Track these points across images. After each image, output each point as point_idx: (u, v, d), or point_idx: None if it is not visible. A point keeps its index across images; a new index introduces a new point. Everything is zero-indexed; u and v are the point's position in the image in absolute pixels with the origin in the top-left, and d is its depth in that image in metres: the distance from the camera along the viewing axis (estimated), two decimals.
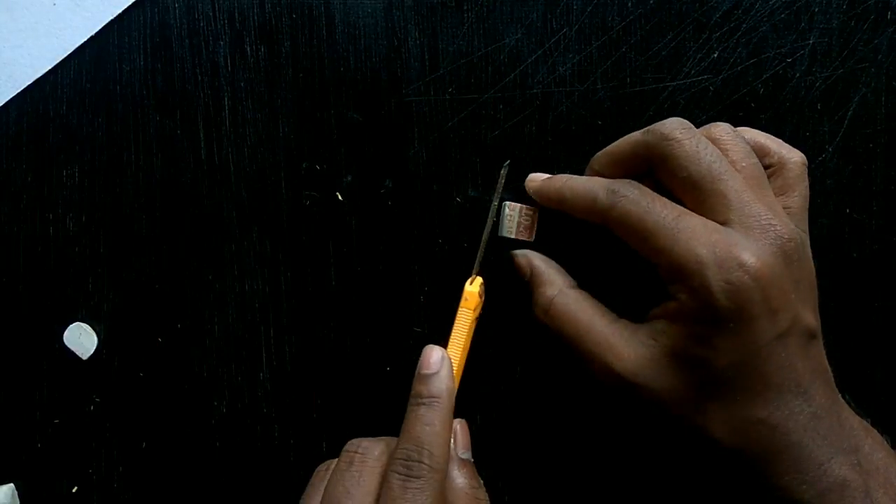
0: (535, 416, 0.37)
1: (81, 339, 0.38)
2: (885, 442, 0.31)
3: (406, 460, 0.29)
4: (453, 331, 0.35)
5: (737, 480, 0.30)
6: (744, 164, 0.31)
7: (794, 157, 0.32)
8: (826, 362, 0.31)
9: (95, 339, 0.38)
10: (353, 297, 0.37)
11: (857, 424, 0.30)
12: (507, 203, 0.36)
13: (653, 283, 0.30)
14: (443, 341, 0.37)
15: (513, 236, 0.36)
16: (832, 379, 0.31)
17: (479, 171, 0.37)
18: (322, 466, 0.32)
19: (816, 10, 0.36)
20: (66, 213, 0.38)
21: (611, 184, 0.31)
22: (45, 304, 0.38)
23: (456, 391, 0.32)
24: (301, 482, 0.37)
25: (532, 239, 0.36)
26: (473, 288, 0.35)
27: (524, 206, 0.36)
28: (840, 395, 0.31)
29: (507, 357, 0.37)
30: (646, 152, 0.31)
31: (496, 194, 0.36)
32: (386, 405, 0.37)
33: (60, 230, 0.38)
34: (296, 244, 0.37)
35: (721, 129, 0.32)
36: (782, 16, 0.36)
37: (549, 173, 0.37)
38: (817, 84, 0.37)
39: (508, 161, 0.35)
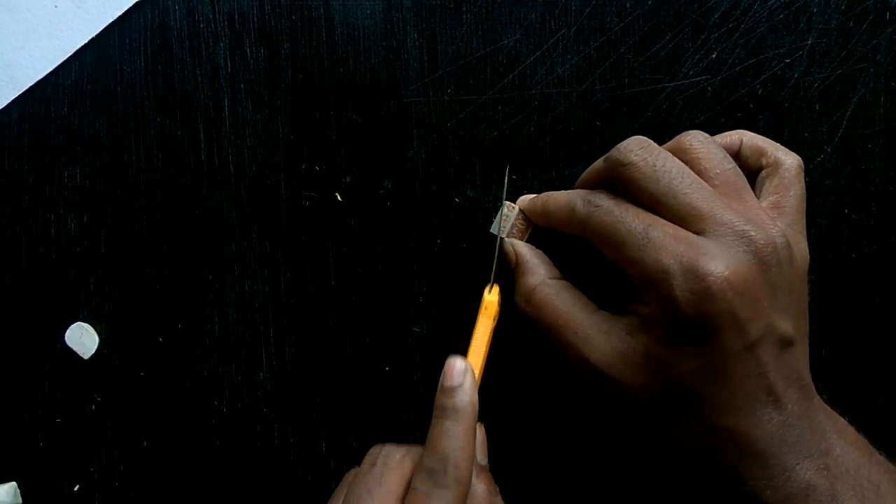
0: (535, 417, 0.37)
1: (83, 338, 0.38)
2: (862, 441, 0.31)
3: (432, 471, 0.29)
4: (473, 340, 0.34)
5: (705, 480, 0.30)
6: (717, 172, 0.30)
7: (789, 159, 0.32)
8: (802, 368, 0.30)
9: (97, 338, 0.38)
10: (353, 297, 0.38)
11: (829, 427, 0.30)
12: (507, 203, 0.36)
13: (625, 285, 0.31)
14: (443, 342, 0.37)
15: (504, 236, 0.36)
16: (809, 383, 0.30)
17: (477, 172, 0.37)
18: (350, 472, 0.32)
19: (815, 10, 0.36)
20: (68, 214, 0.38)
21: (587, 194, 0.31)
22: (47, 305, 0.38)
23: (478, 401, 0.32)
24: (301, 482, 0.38)
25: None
26: (493, 297, 0.34)
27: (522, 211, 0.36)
28: (817, 397, 0.31)
29: (507, 357, 0.37)
30: (609, 179, 0.31)
31: (503, 197, 0.36)
32: (386, 405, 0.38)
33: (62, 231, 0.38)
34: (296, 244, 0.38)
35: (691, 137, 0.31)
36: (781, 16, 0.36)
37: (547, 174, 0.37)
38: (816, 85, 0.37)
39: (508, 166, 0.35)
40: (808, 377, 0.30)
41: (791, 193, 0.32)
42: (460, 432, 0.30)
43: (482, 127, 0.37)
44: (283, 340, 0.38)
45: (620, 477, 0.37)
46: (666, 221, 0.29)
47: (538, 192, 0.37)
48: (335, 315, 0.38)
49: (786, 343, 0.29)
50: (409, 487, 0.29)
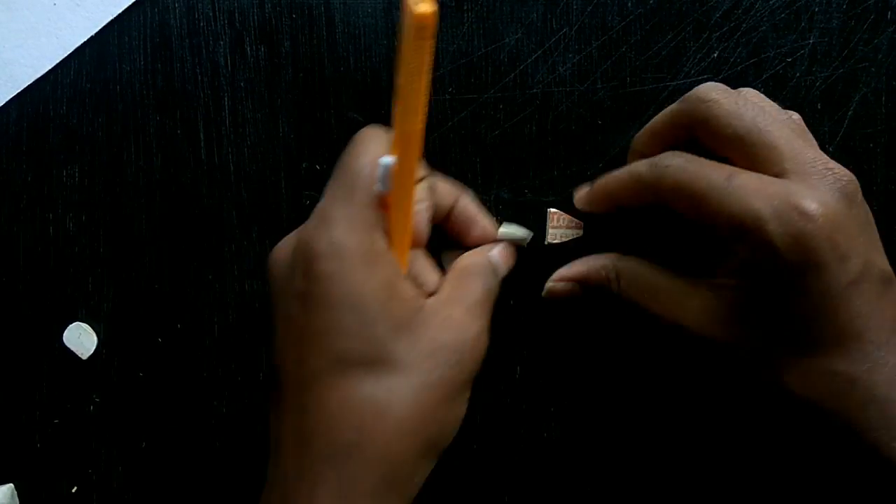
0: (536, 416, 0.37)
1: (81, 338, 0.38)
2: None
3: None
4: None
5: (819, 434, 0.29)
6: (782, 118, 0.30)
7: (794, 115, 0.32)
8: None
9: (95, 338, 0.38)
10: None
11: None
12: (551, 210, 0.36)
13: (701, 244, 0.31)
14: None
15: (556, 241, 0.36)
16: None
17: (478, 171, 0.37)
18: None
19: (816, 9, 0.36)
20: (66, 213, 0.38)
21: (652, 159, 0.31)
22: (45, 304, 0.38)
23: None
24: None
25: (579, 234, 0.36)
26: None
27: (569, 216, 0.36)
28: None
29: (507, 357, 0.37)
30: (686, 119, 0.31)
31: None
32: None
33: (60, 230, 0.38)
34: None
35: (750, 92, 0.31)
36: (782, 16, 0.36)
37: (549, 173, 0.37)
38: (817, 84, 0.37)
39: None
40: None
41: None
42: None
43: (483, 126, 0.37)
44: None
45: (614, 472, 0.37)
46: (746, 170, 0.29)
47: (539, 191, 0.37)
48: None
49: (887, 281, 0.28)
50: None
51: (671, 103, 0.36)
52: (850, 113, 0.37)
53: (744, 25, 0.36)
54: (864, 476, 0.29)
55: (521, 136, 0.37)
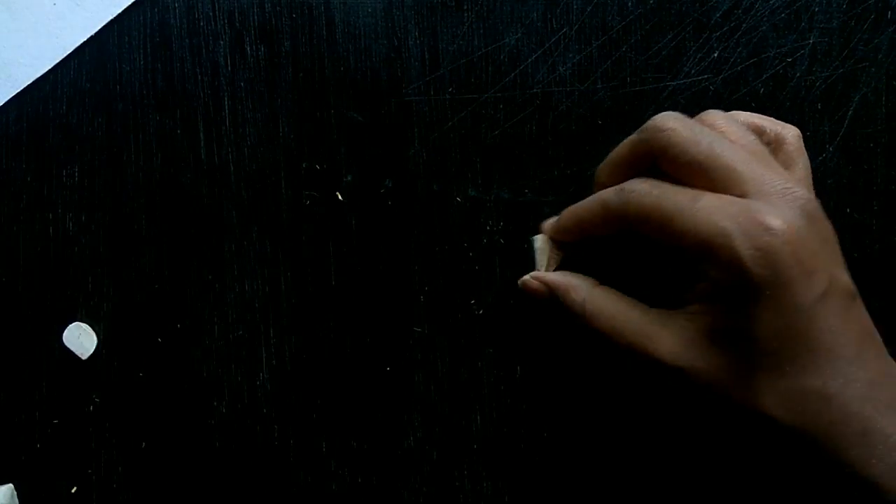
0: (536, 416, 0.37)
1: (81, 338, 0.38)
2: None
3: None
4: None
5: (799, 460, 0.29)
6: (743, 143, 0.30)
7: (789, 132, 0.32)
8: (872, 324, 0.30)
9: (95, 338, 0.38)
10: (353, 297, 0.37)
11: None
12: (537, 237, 0.35)
13: (675, 275, 0.30)
14: (443, 342, 0.37)
15: (545, 271, 0.35)
16: (880, 340, 0.29)
17: (479, 171, 0.37)
18: None
19: (817, 9, 0.36)
20: (66, 213, 0.38)
21: (618, 186, 0.31)
22: (45, 304, 0.38)
23: None
24: (301, 482, 0.38)
25: None
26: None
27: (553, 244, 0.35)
28: (889, 356, 0.30)
29: (507, 357, 0.37)
30: (645, 148, 0.31)
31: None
32: (386, 405, 0.37)
33: (60, 230, 0.38)
34: (296, 244, 0.37)
35: (712, 115, 0.32)
36: (782, 15, 0.36)
37: (549, 173, 0.37)
38: (817, 84, 0.37)
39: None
40: (877, 334, 0.30)
41: (800, 166, 0.32)
42: None
43: (483, 126, 0.37)
44: (283, 340, 0.38)
45: (614, 473, 0.37)
46: (710, 192, 0.29)
47: (539, 191, 0.37)
48: (335, 315, 0.37)
49: (851, 296, 0.29)
50: None
51: (671, 103, 0.37)
52: (850, 113, 0.37)
53: (744, 25, 0.36)
54: (845, 499, 0.28)
55: (521, 136, 0.37)
